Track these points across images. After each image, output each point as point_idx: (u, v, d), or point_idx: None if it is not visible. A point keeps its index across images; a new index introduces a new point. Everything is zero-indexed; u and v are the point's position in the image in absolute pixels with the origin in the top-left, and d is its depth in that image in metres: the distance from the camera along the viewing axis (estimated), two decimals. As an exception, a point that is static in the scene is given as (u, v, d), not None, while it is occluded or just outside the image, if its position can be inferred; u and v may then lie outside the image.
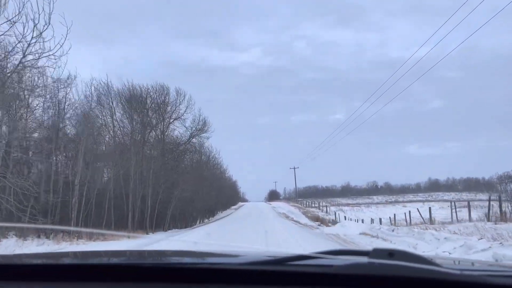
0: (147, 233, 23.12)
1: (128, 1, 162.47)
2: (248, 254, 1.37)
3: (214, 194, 43.73)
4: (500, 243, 8.94)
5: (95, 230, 19.75)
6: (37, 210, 14.01)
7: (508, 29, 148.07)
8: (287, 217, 38.80)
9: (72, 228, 17.54)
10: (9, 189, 12.92)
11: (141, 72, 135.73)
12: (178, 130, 33.95)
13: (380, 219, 28.82)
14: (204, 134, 35.55)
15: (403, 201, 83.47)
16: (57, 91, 17.21)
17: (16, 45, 11.87)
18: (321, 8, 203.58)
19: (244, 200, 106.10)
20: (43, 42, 11.68)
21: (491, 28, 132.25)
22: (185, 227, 31.33)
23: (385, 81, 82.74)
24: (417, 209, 22.38)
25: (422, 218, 20.53)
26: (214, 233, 19.40)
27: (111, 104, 27.61)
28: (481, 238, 9.88)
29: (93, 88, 22.76)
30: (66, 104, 18.18)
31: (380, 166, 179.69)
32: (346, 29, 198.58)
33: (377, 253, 0.97)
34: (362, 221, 29.98)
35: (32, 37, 11.52)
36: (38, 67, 12.91)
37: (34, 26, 11.45)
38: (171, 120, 32.86)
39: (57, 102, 17.67)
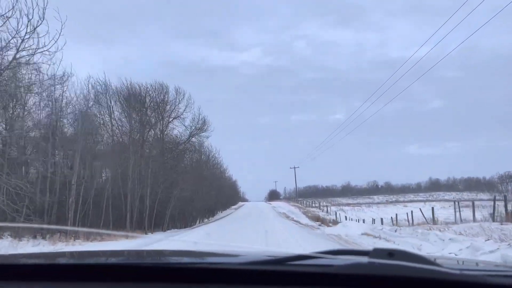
0: (145, 233, 22.84)
1: (128, 1, 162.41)
2: (248, 254, 1.37)
3: (214, 193, 43.48)
4: (508, 244, 8.65)
5: (92, 230, 19.48)
6: (31, 210, 13.72)
7: (508, 29, 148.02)
8: (288, 217, 38.51)
9: (68, 228, 17.26)
10: (2, 189, 12.64)
11: (141, 72, 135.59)
12: (177, 129, 33.69)
13: (382, 219, 28.52)
14: (203, 133, 35.29)
15: (403, 201, 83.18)
16: (53, 89, 16.90)
17: (9, 41, 11.58)
18: (321, 8, 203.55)
19: (244, 200, 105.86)
20: (38, 38, 11.39)
21: (491, 28, 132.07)
22: (185, 227, 31.06)
23: (385, 81, 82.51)
24: (420, 209, 22.07)
25: (425, 218, 20.22)
26: (214, 233, 19.34)
27: (109, 102, 27.33)
28: (488, 239, 9.59)
29: (90, 85, 22.42)
30: (63, 102, 17.88)
31: (380, 166, 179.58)
32: (346, 29, 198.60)
33: (377, 253, 0.97)
34: (363, 221, 29.69)
35: (26, 33, 11.24)
36: (33, 63, 12.60)
37: (28, 21, 11.18)
38: (170, 119, 32.59)
39: (53, 100, 17.37)
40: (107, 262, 1.37)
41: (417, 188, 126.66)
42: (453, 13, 20.10)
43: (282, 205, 63.72)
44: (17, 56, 11.62)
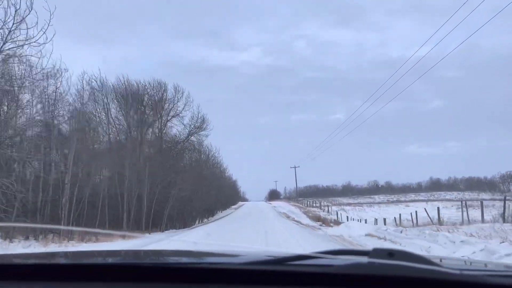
0: (143, 234, 22.27)
1: (128, 1, 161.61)
2: (248, 254, 1.37)
3: (214, 193, 42.94)
4: (525, 247, 8.11)
5: (87, 229, 18.88)
6: (20, 210, 13.16)
7: (508, 29, 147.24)
8: (288, 217, 37.94)
9: (62, 227, 16.72)
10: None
11: (141, 72, 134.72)
12: (176, 127, 33.15)
13: (385, 219, 27.94)
14: (203, 132, 34.76)
15: (405, 201, 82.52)
16: (46, 84, 16.32)
17: (-4, 32, 10.99)
18: (321, 8, 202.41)
19: (244, 200, 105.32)
20: (27, 29, 10.83)
21: (491, 28, 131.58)
22: (184, 227, 30.51)
23: (385, 81, 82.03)
24: (425, 209, 21.51)
25: (430, 219, 19.65)
26: (213, 233, 19.18)
27: (105, 100, 26.75)
28: (503, 241, 9.03)
29: (84, 82, 21.74)
30: (56, 98, 17.27)
31: (381, 165, 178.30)
32: (346, 29, 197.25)
33: (377, 253, 0.98)
34: (365, 221, 29.13)
35: (13, 23, 10.67)
36: (21, 56, 12.02)
37: (16, 11, 10.61)
38: (169, 118, 32.05)
39: (46, 96, 16.80)
40: (107, 262, 1.36)
41: (418, 188, 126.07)
42: (453, 13, 20.06)
43: (282, 205, 63.16)
44: (4, 48, 11.05)
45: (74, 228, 17.99)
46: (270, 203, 76.92)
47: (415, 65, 22.99)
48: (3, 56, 11.55)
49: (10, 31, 10.78)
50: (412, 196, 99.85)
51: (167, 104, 31.76)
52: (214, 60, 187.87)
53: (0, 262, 1.32)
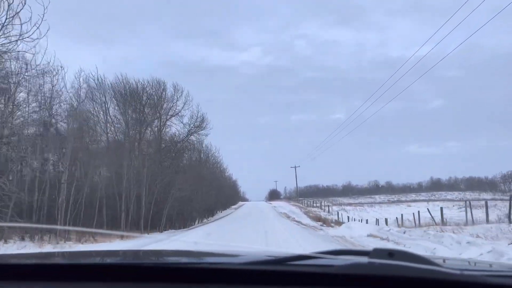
0: (141, 234, 21.98)
1: (128, 1, 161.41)
2: (248, 254, 1.36)
3: (213, 193, 42.64)
4: (535, 249, 7.82)
5: (85, 229, 18.57)
6: (14, 211, 12.86)
7: (508, 29, 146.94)
8: (288, 217, 37.65)
9: (58, 227, 16.42)
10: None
11: (141, 72, 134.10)
12: (175, 127, 32.82)
13: (386, 220, 27.64)
14: (202, 131, 34.42)
15: (406, 201, 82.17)
16: (42, 82, 16.01)
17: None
18: (321, 7, 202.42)
19: (245, 200, 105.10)
20: (21, 24, 10.53)
21: (491, 28, 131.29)
22: (183, 228, 30.22)
23: (385, 81, 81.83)
24: (427, 209, 21.19)
25: (433, 219, 19.34)
26: (213, 233, 19.09)
27: (103, 98, 26.43)
28: (511, 243, 8.73)
29: (81, 79, 21.29)
30: (52, 96, 16.96)
31: (381, 165, 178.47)
32: (346, 28, 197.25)
33: (377, 253, 0.97)
34: (367, 221, 28.80)
35: (6, 18, 10.38)
36: (14, 52, 11.72)
37: (9, 6, 10.31)
38: (168, 117, 31.73)
39: (42, 94, 16.49)
40: (107, 262, 1.36)
41: (418, 188, 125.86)
42: (453, 13, 20.33)
43: (282, 205, 62.87)
44: (-4, 43, 10.76)
45: (71, 228, 17.69)
46: (270, 203, 76.62)
47: (415, 65, 23.02)
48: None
49: (3, 26, 10.49)
50: (413, 196, 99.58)
51: (166, 103, 31.46)
52: (214, 60, 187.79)
53: (0, 262, 1.32)
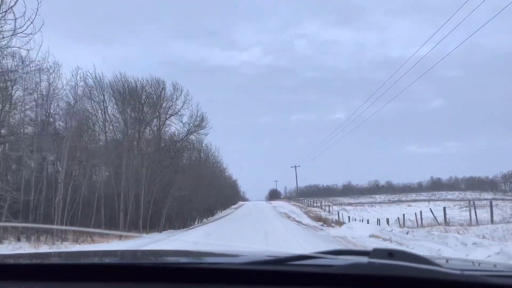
0: (140, 234, 21.70)
1: (128, 1, 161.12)
2: (248, 254, 1.37)
3: (213, 193, 42.39)
4: (545, 251, 7.54)
5: (82, 229, 18.29)
6: (9, 211, 12.58)
7: (508, 29, 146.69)
8: (289, 217, 37.37)
9: (55, 227, 16.16)
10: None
11: (141, 72, 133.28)
12: (175, 126, 32.54)
13: (388, 220, 27.36)
14: (202, 130, 34.13)
15: (406, 200, 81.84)
16: (38, 79, 15.72)
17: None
18: (321, 7, 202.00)
19: (245, 199, 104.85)
20: (15, 19, 10.26)
21: (491, 28, 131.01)
22: (183, 227, 29.95)
23: (385, 81, 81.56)
24: (430, 209, 20.89)
25: (436, 219, 19.06)
26: (213, 233, 19.00)
27: (101, 97, 26.13)
28: (520, 244, 8.46)
29: (78, 77, 20.92)
30: (49, 94, 16.67)
31: (381, 165, 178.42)
32: (346, 28, 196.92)
33: (377, 253, 0.98)
34: (368, 221, 28.50)
35: (-1, 13, 10.10)
36: (7, 47, 11.43)
37: (2, 1, 10.03)
38: (168, 116, 31.45)
39: (38, 91, 16.20)
40: (108, 262, 1.36)
41: (419, 188, 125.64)
42: (453, 13, 20.21)
43: (283, 205, 62.59)
44: (-10, 40, 10.48)
45: (68, 228, 17.41)
46: (271, 203, 76.34)
47: (415, 65, 22.98)
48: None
49: (-4, 21, 10.22)
50: (413, 196, 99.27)
51: (166, 102, 31.18)
52: (214, 60, 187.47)
53: (0, 262, 1.33)
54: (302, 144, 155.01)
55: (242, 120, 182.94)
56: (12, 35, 10.40)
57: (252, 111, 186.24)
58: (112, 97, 27.09)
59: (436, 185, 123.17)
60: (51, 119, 17.61)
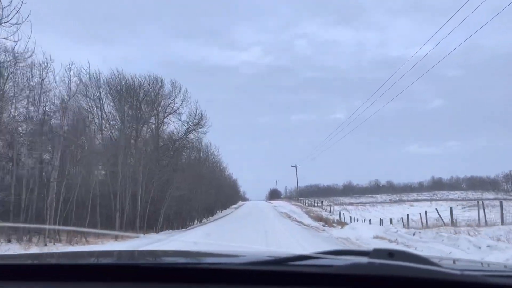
0: (137, 235, 21.13)
1: (128, 1, 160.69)
2: (248, 254, 1.38)
3: (213, 192, 41.88)
4: None
5: (78, 229, 17.70)
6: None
7: (508, 29, 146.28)
8: (289, 217, 36.82)
9: (47, 226, 15.60)
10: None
11: (141, 72, 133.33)
12: (173, 124, 31.96)
13: (391, 220, 26.78)
14: (201, 129, 33.54)
15: (408, 200, 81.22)
16: (30, 75, 15.16)
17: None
18: (321, 7, 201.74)
19: (245, 199, 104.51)
20: (2, 8, 9.70)
21: (491, 28, 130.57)
22: (182, 228, 29.40)
23: (385, 81, 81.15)
24: (436, 209, 20.32)
25: (442, 219, 18.48)
26: (213, 233, 18.76)
27: (98, 94, 25.56)
28: (540, 247, 7.88)
29: (72, 73, 20.21)
30: (42, 90, 16.10)
31: (381, 165, 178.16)
32: (347, 28, 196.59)
33: (377, 253, 0.98)
34: (370, 221, 27.96)
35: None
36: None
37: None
38: (166, 114, 30.87)
39: (29, 86, 15.63)
40: (108, 262, 1.37)
41: (420, 187, 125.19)
42: (453, 13, 20.78)
43: (283, 204, 62.06)
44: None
45: (62, 228, 16.84)
46: (271, 203, 75.84)
47: (415, 65, 23.01)
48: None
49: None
50: (415, 195, 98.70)
51: (164, 100, 30.61)
52: (214, 60, 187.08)
53: (0, 263, 1.32)
54: (302, 144, 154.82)
55: (242, 120, 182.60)
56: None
57: (252, 111, 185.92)
58: (108, 94, 26.55)
59: (437, 185, 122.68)
60: (44, 116, 17.03)
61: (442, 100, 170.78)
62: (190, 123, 32.32)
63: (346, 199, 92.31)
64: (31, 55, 13.72)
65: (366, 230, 16.06)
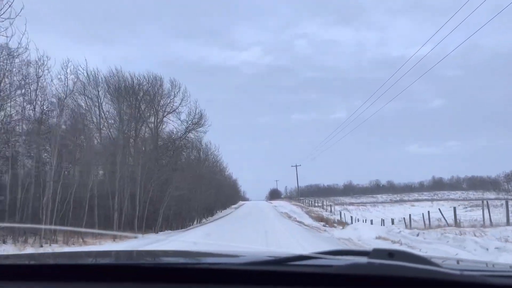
0: (135, 235, 20.84)
1: (128, 1, 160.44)
2: (248, 254, 1.38)
3: (213, 192, 41.59)
4: None
5: (75, 229, 17.41)
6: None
7: (508, 29, 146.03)
8: (290, 217, 36.54)
9: (43, 227, 15.33)
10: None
11: (141, 72, 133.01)
12: (172, 124, 31.67)
13: (392, 220, 26.50)
14: (201, 128, 33.26)
15: (409, 200, 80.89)
16: (25, 72, 14.87)
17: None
18: (321, 7, 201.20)
19: (245, 199, 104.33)
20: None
21: (491, 28, 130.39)
22: (181, 228, 29.12)
23: (386, 81, 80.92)
24: (439, 209, 20.04)
25: (445, 220, 18.20)
26: (213, 233, 18.64)
27: (96, 92, 25.26)
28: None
29: (69, 70, 19.85)
30: (38, 87, 15.81)
31: (382, 165, 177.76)
32: (347, 28, 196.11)
33: (377, 253, 0.98)
34: (371, 221, 27.70)
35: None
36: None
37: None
38: (165, 114, 30.58)
39: (25, 84, 15.34)
40: (108, 262, 1.37)
41: (420, 187, 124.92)
42: (453, 13, 20.82)
43: (283, 204, 61.78)
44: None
45: (59, 228, 16.55)
46: (271, 203, 75.57)
47: (415, 65, 23.08)
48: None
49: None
50: (415, 195, 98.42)
51: (163, 99, 30.33)
52: (214, 59, 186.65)
53: (0, 263, 1.33)
54: (302, 144, 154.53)
55: (242, 120, 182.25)
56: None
57: (252, 111, 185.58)
58: (107, 93, 26.24)
59: (437, 185, 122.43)
60: (41, 115, 16.75)
61: (442, 100, 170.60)
62: (189, 122, 32.09)
63: (347, 199, 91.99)
64: (25, 51, 13.46)
65: (368, 230, 15.77)
